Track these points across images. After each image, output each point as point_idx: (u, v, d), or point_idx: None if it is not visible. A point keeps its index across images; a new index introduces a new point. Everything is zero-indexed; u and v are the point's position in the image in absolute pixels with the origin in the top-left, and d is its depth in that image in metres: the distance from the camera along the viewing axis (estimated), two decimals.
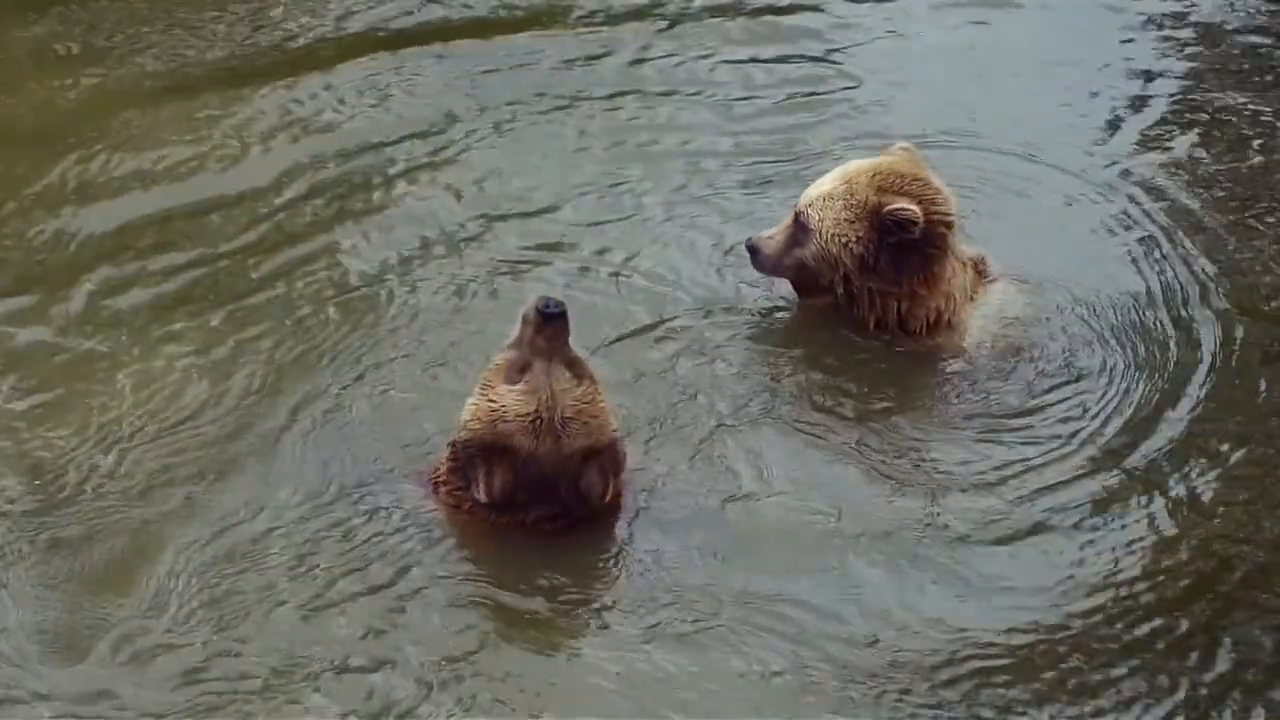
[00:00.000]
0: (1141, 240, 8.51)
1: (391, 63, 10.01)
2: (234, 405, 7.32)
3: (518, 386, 6.15)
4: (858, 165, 7.29)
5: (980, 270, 7.47)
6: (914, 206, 7.04)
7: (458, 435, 6.28)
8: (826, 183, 7.30)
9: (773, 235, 7.49)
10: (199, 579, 6.41)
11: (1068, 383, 7.45)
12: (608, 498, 6.29)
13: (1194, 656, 6.26)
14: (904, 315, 7.30)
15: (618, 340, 7.64)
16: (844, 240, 7.28)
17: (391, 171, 9.08)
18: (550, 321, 6.16)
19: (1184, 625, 6.38)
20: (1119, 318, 7.85)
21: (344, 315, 7.92)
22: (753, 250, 7.51)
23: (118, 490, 6.84)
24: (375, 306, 7.98)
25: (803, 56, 10.13)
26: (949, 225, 7.16)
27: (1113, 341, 7.72)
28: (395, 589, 6.41)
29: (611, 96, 9.74)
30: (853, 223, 7.25)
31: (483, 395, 6.22)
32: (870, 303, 7.34)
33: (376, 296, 8.06)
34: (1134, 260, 8.36)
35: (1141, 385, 7.46)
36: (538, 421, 6.10)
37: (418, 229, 8.62)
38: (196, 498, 6.79)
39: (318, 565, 6.48)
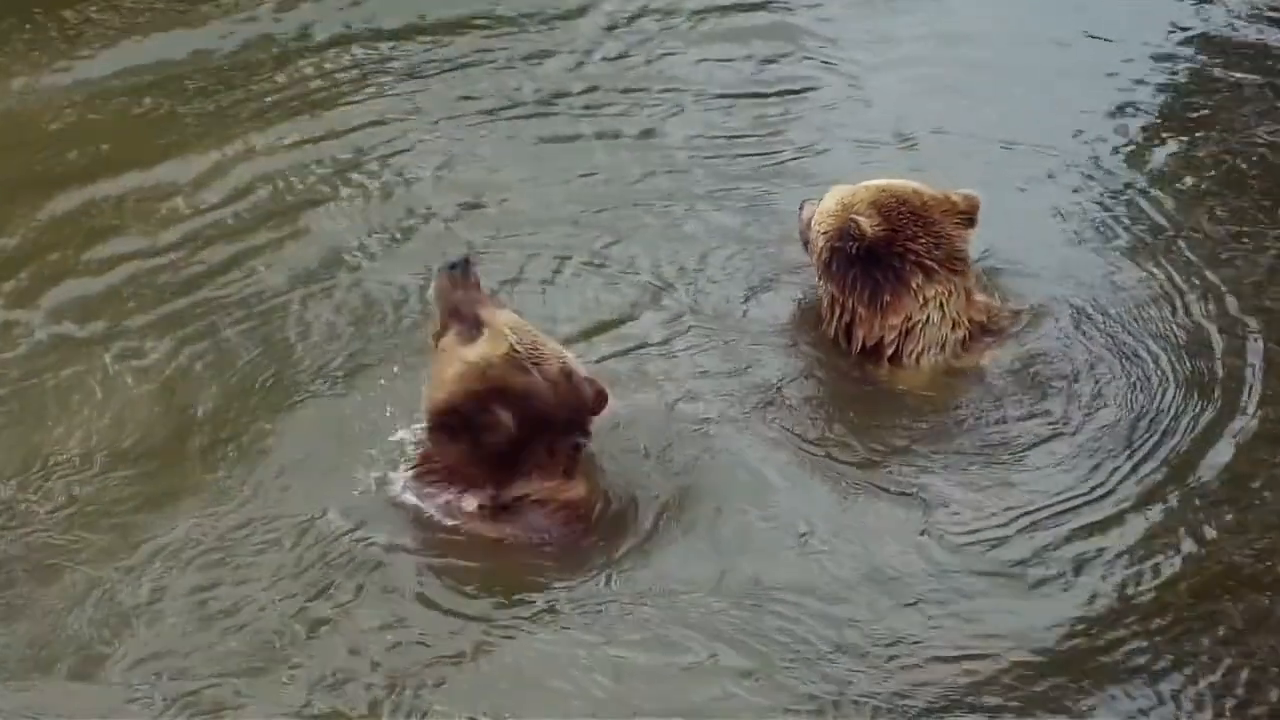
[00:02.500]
0: (1143, 245, 8.30)
1: (345, 59, 9.86)
2: (162, 418, 7.16)
3: (480, 338, 6.37)
4: (889, 181, 7.39)
5: (989, 326, 7.42)
6: (867, 225, 7.10)
7: (438, 405, 6.41)
8: (860, 184, 7.39)
9: (815, 203, 7.56)
10: (139, 604, 6.28)
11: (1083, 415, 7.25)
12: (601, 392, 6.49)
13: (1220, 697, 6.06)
14: (846, 329, 7.32)
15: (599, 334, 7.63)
16: (818, 229, 7.36)
17: (341, 168, 8.89)
18: (458, 269, 6.49)
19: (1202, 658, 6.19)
20: (1122, 334, 7.66)
21: (287, 318, 7.76)
22: (800, 208, 7.64)
23: (45, 516, 6.63)
24: (318, 309, 7.81)
25: (782, 49, 10.04)
26: (918, 266, 7.18)
27: (1119, 367, 7.47)
28: (351, 599, 6.32)
29: (581, 93, 9.62)
30: (830, 216, 7.31)
31: (451, 366, 6.39)
32: (824, 303, 7.41)
33: (320, 298, 7.90)
34: (1135, 264, 8.15)
35: (1136, 413, 7.25)
36: (517, 354, 6.32)
37: (363, 229, 8.42)
38: (125, 522, 6.62)
39: (264, 581, 6.37)
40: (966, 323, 7.31)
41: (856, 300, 7.24)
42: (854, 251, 7.16)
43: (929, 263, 7.19)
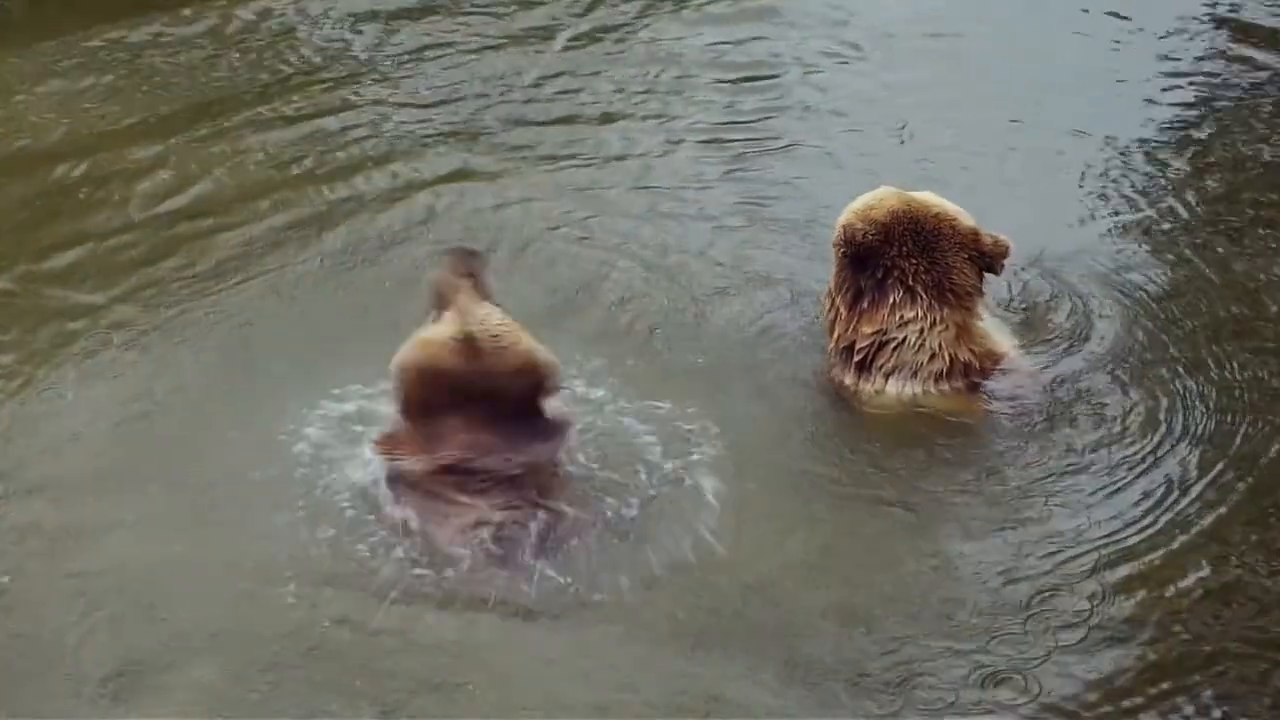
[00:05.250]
0: (1165, 243, 8.19)
1: (315, 40, 9.90)
2: (117, 426, 6.88)
3: (444, 317, 6.51)
4: (925, 196, 7.28)
5: (979, 370, 7.25)
6: (860, 230, 7.16)
7: (393, 375, 6.51)
8: (907, 192, 7.34)
9: None
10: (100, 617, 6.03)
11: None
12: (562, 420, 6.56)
13: None
14: (830, 323, 7.38)
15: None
16: (839, 221, 7.30)
17: (315, 150, 8.85)
18: (457, 256, 6.65)
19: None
20: (1150, 349, 7.44)
21: (249, 317, 7.59)
22: None
23: None
24: (281, 307, 7.69)
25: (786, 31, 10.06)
26: (901, 284, 7.18)
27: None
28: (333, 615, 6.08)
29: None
30: (852, 211, 7.27)
31: (414, 336, 6.56)
32: (824, 290, 7.48)
33: (285, 294, 7.76)
34: (1159, 268, 8.00)
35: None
36: (464, 340, 6.40)
37: (335, 218, 8.31)
38: (67, 541, 6.33)
39: (232, 600, 6.13)
40: (948, 358, 7.20)
41: (841, 298, 7.28)
42: (841, 254, 7.21)
43: (914, 286, 7.18)
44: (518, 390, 6.44)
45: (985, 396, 7.19)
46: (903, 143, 8.95)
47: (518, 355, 6.45)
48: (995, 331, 7.30)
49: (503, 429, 6.42)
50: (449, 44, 9.71)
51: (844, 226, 7.17)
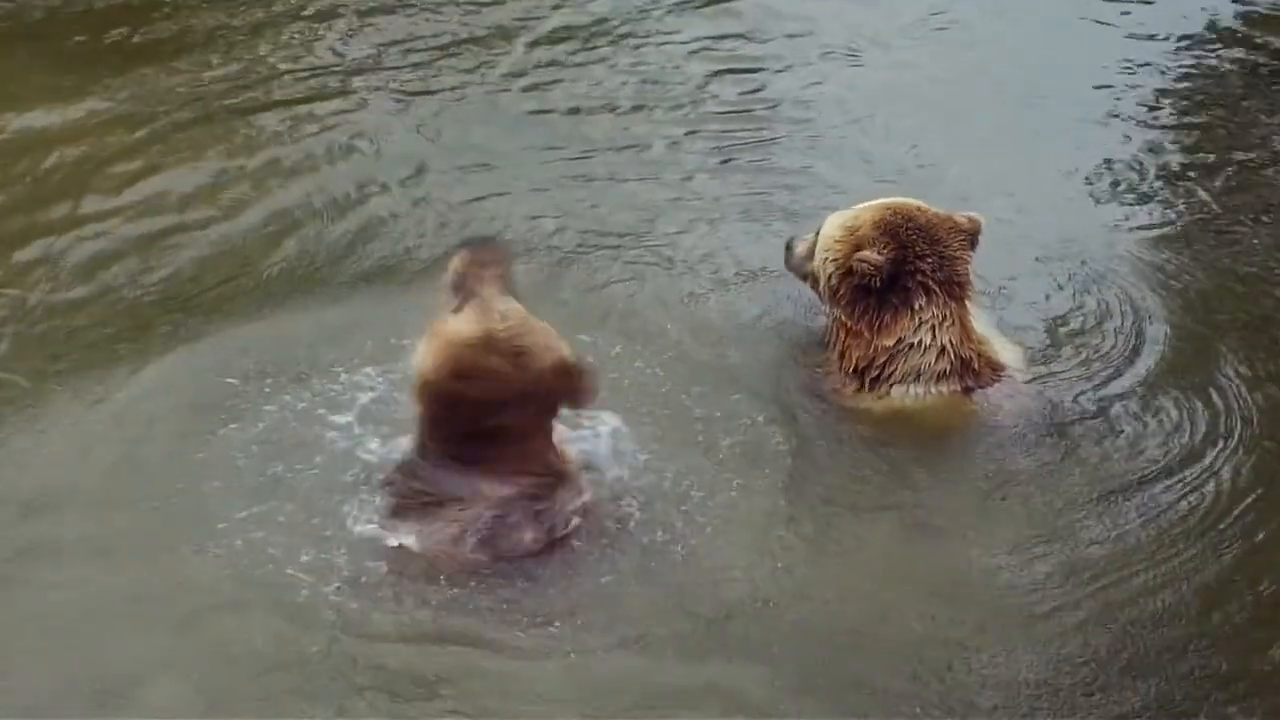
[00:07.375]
0: (1168, 240, 8.14)
1: None
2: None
3: (464, 313, 6.33)
4: (891, 200, 7.38)
5: (977, 370, 7.27)
6: (879, 257, 7.19)
7: (415, 381, 6.34)
8: (860, 206, 7.43)
9: (807, 238, 7.62)
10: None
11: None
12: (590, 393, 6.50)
13: None
14: (843, 351, 7.37)
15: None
16: (826, 256, 7.40)
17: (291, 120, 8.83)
18: (478, 244, 6.57)
19: None
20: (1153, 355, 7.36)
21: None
22: (787, 248, 7.74)
23: None
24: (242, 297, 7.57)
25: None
26: (923, 287, 7.25)
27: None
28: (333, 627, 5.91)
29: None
30: (837, 243, 7.34)
31: (431, 336, 6.37)
32: (830, 326, 7.47)
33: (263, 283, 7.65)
34: (1164, 267, 7.93)
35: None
36: (492, 339, 6.27)
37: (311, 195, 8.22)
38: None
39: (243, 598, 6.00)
40: (953, 356, 7.25)
41: (863, 323, 7.29)
42: (875, 284, 7.20)
43: (931, 284, 7.25)
44: (546, 394, 6.27)
45: (981, 406, 7.13)
46: (893, 132, 8.90)
47: (547, 357, 6.29)
48: (994, 339, 7.28)
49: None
50: (424, 35, 9.62)
51: (862, 260, 7.11)
